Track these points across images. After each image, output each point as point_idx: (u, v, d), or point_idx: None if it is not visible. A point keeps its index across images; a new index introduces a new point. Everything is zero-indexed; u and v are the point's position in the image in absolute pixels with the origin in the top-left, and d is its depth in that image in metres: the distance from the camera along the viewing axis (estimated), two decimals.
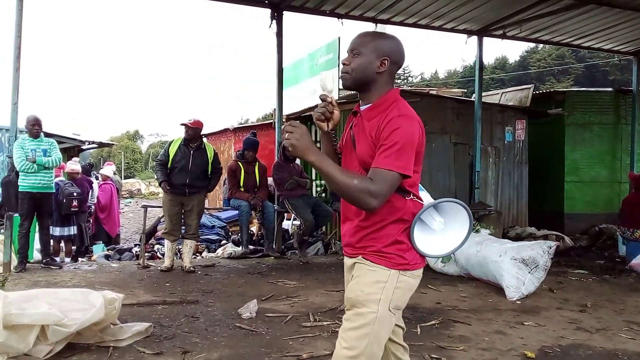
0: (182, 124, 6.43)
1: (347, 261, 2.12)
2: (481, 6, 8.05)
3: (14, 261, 6.16)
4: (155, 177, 7.18)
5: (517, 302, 5.09)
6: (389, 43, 1.98)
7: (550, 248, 5.37)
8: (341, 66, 1.96)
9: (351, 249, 2.06)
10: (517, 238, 7.81)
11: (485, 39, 9.28)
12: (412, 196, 1.96)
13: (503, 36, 9.25)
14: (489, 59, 52.28)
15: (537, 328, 4.31)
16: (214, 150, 6.71)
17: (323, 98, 1.95)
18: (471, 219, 1.99)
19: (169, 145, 6.56)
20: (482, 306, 4.96)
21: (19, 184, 6.09)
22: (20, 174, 6.07)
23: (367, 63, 1.95)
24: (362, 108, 2.00)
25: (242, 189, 7.33)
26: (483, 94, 11.05)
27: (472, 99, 10.24)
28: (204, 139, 6.79)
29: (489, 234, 6.41)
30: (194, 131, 6.41)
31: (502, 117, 9.51)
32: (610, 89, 10.66)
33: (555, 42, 10.19)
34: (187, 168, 6.31)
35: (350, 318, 1.96)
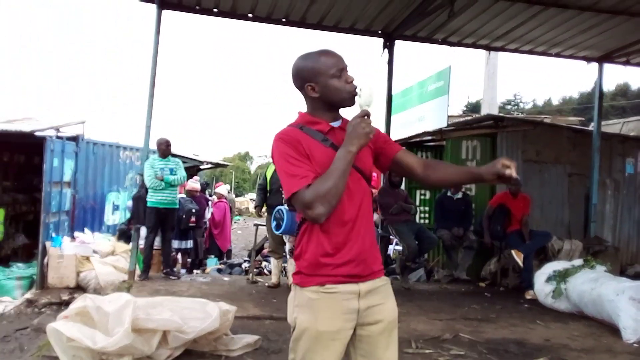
0: None
1: (363, 286, 1.97)
2: (603, 33, 7.69)
3: (138, 270, 6.77)
4: (255, 200, 7.65)
5: (635, 344, 4.76)
6: None
7: None
8: (353, 82, 1.98)
9: (370, 269, 2.00)
10: (637, 277, 7.25)
11: (606, 66, 8.85)
12: None
13: (626, 63, 8.75)
14: (609, 86, 49.06)
15: None
16: None
17: (367, 114, 1.93)
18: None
19: (266, 169, 6.97)
20: (595, 347, 4.70)
21: (147, 199, 6.70)
22: (149, 190, 6.69)
23: None
24: (336, 124, 2.01)
25: None
26: (602, 122, 10.49)
27: (589, 128, 9.75)
28: None
29: (605, 271, 6.05)
30: None
31: (622, 147, 8.96)
32: None
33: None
34: None
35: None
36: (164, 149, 6.85)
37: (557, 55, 8.65)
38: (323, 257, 1.91)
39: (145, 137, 6.86)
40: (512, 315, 5.66)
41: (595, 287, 5.44)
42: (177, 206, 7.13)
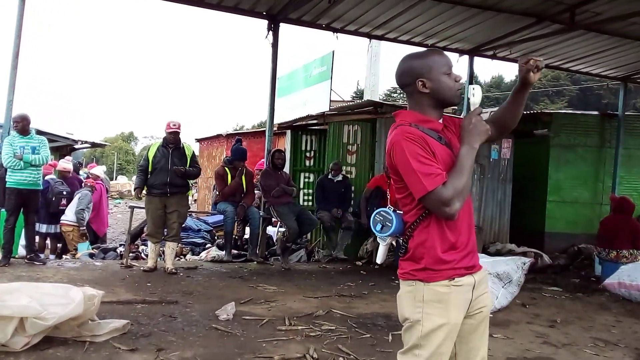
0: (167, 131, 6.54)
1: (476, 277, 2.05)
2: (473, 27, 8.25)
3: None
4: (134, 182, 7.33)
5: (489, 315, 5.19)
6: None
7: (525, 264, 5.51)
8: (458, 83, 2.04)
9: (477, 259, 2.10)
10: (497, 254, 7.92)
11: (478, 59, 9.50)
12: None
13: (493, 57, 9.46)
14: (484, 78, 52.78)
15: (505, 340, 4.43)
16: (193, 151, 6.84)
17: (481, 112, 2.02)
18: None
19: (148, 150, 6.73)
20: None
21: (6, 179, 6.18)
22: (7, 170, 6.16)
23: None
24: (441, 121, 2.09)
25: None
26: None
27: (461, 117, 10.41)
28: (183, 141, 6.84)
29: None
30: (174, 136, 6.54)
31: None
32: (596, 113, 10.86)
33: (545, 65, 10.34)
34: (167, 167, 6.44)
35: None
36: (23, 126, 6.29)
37: (433, 46, 9.12)
38: (448, 251, 1.96)
39: (7, 113, 6.32)
40: (384, 292, 5.96)
41: None
42: (40, 187, 6.63)
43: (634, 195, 9.18)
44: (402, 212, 2.06)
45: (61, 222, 8.32)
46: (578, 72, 10.92)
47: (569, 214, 9.94)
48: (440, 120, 2.07)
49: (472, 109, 2.01)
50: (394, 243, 2.13)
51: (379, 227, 2.08)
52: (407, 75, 2.04)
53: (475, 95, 2.01)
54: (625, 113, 10.53)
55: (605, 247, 7.18)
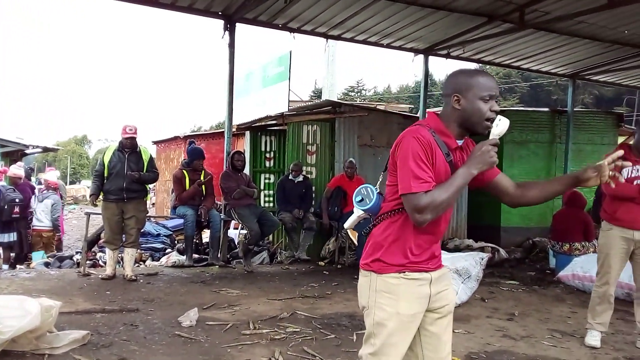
0: (123, 136, 6.39)
1: (434, 274, 2.14)
2: (427, 26, 8.37)
3: None
4: (90, 188, 7.14)
5: (456, 307, 5.31)
6: None
7: (483, 259, 5.65)
8: (491, 112, 2.05)
9: (439, 259, 2.20)
10: (455, 249, 8.10)
11: (433, 58, 9.65)
12: None
13: (447, 56, 9.63)
14: (440, 75, 53.63)
15: (466, 335, 4.54)
16: (150, 155, 6.72)
17: (497, 144, 2.04)
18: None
19: (103, 154, 6.56)
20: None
21: None
22: None
23: None
24: (460, 142, 2.12)
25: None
26: (431, 109, 11.41)
27: (417, 115, 10.59)
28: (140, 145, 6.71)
29: None
30: (130, 141, 6.40)
31: None
32: (546, 109, 11.23)
33: (497, 63, 10.69)
34: (123, 173, 6.30)
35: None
36: None
37: (388, 46, 9.24)
38: (406, 251, 2.07)
39: None
40: (347, 291, 6.00)
41: None
42: None
43: (584, 190, 9.52)
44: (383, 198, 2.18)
45: (36, 228, 8.52)
46: (529, 70, 11.23)
47: (523, 208, 10.08)
48: (460, 142, 2.12)
49: (490, 137, 2.05)
50: (355, 242, 2.27)
51: (359, 198, 2.20)
52: (448, 87, 2.12)
53: (498, 126, 2.04)
54: (574, 109, 10.92)
55: (559, 240, 7.42)
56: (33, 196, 8.83)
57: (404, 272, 2.07)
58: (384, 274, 2.08)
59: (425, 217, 1.95)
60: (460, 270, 5.47)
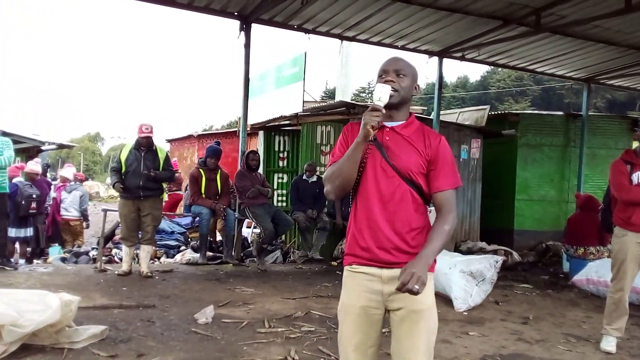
0: (140, 135, 6.47)
1: (385, 272, 2.12)
2: (442, 29, 8.36)
3: None
4: (110, 181, 7.24)
5: (464, 313, 5.33)
6: (417, 72, 2.22)
7: (497, 262, 5.65)
8: (387, 84, 2.08)
9: (396, 259, 2.10)
10: (468, 252, 8.08)
11: (445, 60, 9.64)
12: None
13: (462, 58, 9.61)
14: (451, 78, 53.58)
15: (480, 338, 4.54)
16: (166, 153, 6.79)
17: (378, 108, 2.01)
18: None
19: (120, 151, 6.64)
20: None
21: None
22: None
23: (411, 86, 2.16)
24: (393, 124, 2.16)
25: (204, 196, 7.43)
26: (443, 112, 11.42)
27: (430, 117, 10.57)
28: (156, 143, 6.78)
29: None
30: (147, 140, 6.48)
31: (458, 135, 9.84)
32: (561, 113, 11.16)
33: (511, 67, 10.65)
34: (140, 171, 6.37)
35: None
36: None
37: (403, 48, 9.24)
38: (353, 240, 2.17)
39: None
40: None
41: None
42: (6, 190, 6.46)
43: (598, 193, 9.46)
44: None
45: (65, 217, 9.22)
46: (543, 73, 11.17)
47: (536, 211, 10.21)
48: (391, 124, 2.16)
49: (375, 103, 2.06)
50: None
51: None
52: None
53: (375, 92, 2.06)
54: (589, 113, 10.87)
55: (573, 244, 7.39)
56: (49, 192, 8.94)
57: (352, 265, 2.18)
58: (346, 266, 2.23)
59: (326, 187, 2.15)
60: (474, 273, 5.48)
